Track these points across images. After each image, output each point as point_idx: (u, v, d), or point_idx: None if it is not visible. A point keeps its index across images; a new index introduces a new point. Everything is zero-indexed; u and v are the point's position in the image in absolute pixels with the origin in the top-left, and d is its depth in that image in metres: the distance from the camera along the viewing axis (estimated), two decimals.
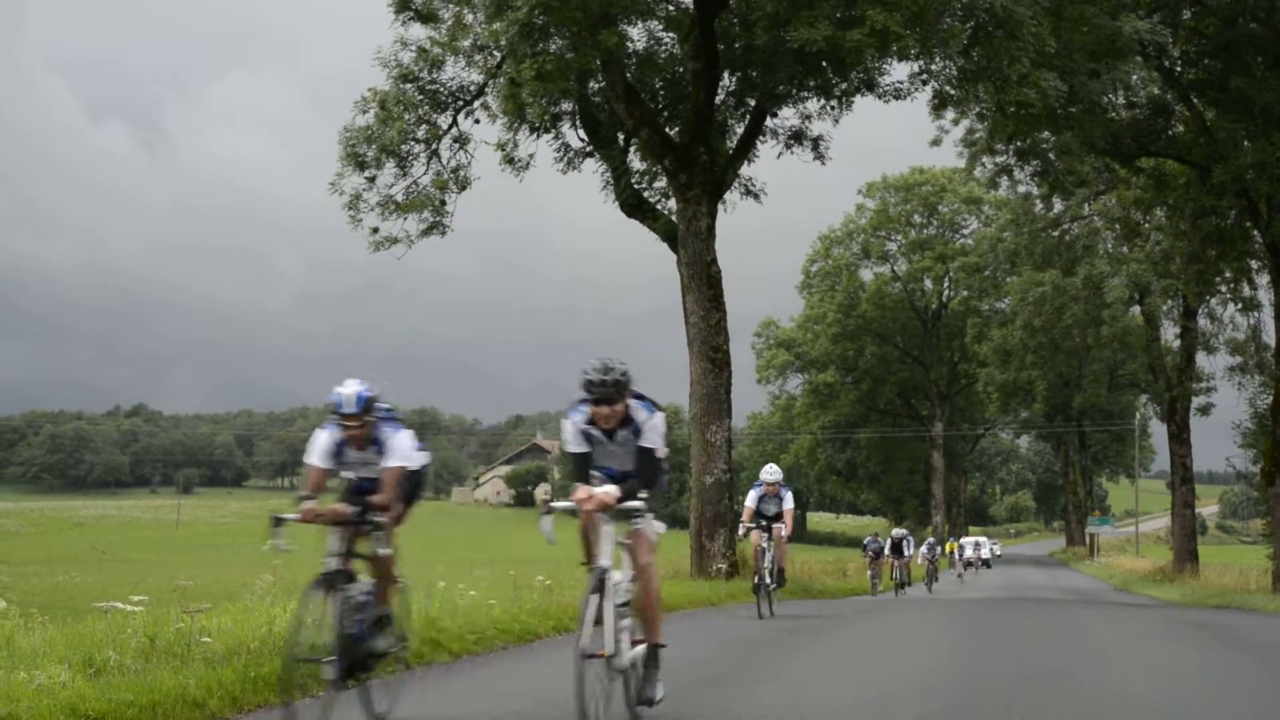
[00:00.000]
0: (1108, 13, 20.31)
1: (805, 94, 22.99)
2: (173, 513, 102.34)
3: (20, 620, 7.88)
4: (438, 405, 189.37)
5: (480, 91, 24.48)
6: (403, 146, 24.00)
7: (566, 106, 24.11)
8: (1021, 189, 32.75)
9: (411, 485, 6.62)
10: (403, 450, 6.36)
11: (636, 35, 23.38)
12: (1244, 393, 33.71)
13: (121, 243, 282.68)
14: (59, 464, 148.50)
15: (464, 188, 24.66)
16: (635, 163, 24.71)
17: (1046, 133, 23.26)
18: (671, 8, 23.42)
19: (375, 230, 24.30)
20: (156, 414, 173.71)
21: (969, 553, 49.04)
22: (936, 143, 30.02)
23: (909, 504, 74.37)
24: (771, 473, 14.76)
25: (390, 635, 6.44)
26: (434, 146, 24.44)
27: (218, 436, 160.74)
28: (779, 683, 8.00)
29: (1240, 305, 33.65)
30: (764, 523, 14.53)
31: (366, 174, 24.01)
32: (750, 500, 14.66)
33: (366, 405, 6.19)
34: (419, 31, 23.73)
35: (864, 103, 49.81)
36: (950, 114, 26.19)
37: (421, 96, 24.26)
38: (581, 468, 6.08)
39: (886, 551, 30.82)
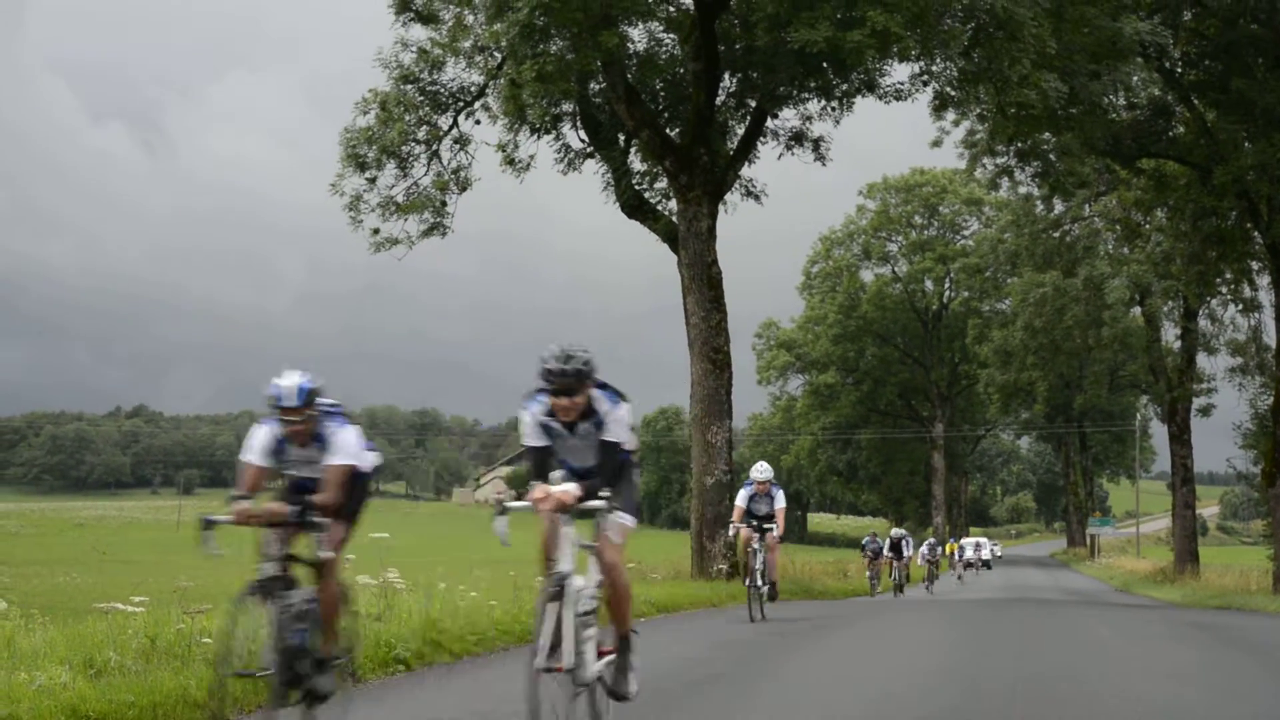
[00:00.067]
0: (1108, 14, 20.32)
1: (806, 95, 23.02)
2: (173, 514, 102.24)
3: (21, 621, 7.89)
4: (439, 406, 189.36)
5: (481, 92, 24.51)
6: (403, 147, 24.03)
7: (567, 107, 24.13)
8: (1022, 190, 32.76)
9: (357, 491, 6.07)
10: (348, 447, 5.90)
11: (637, 36, 23.44)
12: (1244, 394, 33.79)
13: (122, 244, 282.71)
14: (60, 465, 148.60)
15: (464, 189, 24.71)
16: (636, 164, 24.74)
17: (1047, 134, 23.27)
18: (672, 9, 23.45)
19: (376, 231, 24.36)
20: (157, 415, 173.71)
21: (969, 554, 48.98)
22: (937, 144, 30.02)
23: (910, 505, 74.32)
24: (762, 471, 14.37)
25: (335, 645, 5.98)
26: (434, 147, 24.47)
27: (219, 437, 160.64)
28: (778, 683, 8.00)
29: (1241, 306, 33.70)
30: (754, 522, 14.11)
31: (367, 175, 24.06)
32: (740, 499, 14.30)
33: (308, 398, 5.73)
34: (420, 32, 23.80)
35: (865, 104, 49.91)
36: (951, 115, 26.21)
37: (422, 97, 24.29)
38: (540, 463, 5.64)
39: (885, 552, 30.73)
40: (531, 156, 24.79)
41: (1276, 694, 8.19)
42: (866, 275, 70.55)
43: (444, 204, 24.44)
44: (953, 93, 21.99)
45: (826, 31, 18.14)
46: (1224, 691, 8.16)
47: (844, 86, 22.49)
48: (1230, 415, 52.18)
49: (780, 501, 14.17)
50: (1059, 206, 36.77)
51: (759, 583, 13.79)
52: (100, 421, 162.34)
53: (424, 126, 24.28)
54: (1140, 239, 34.66)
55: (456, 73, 24.37)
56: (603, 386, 5.63)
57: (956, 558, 46.50)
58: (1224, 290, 33.91)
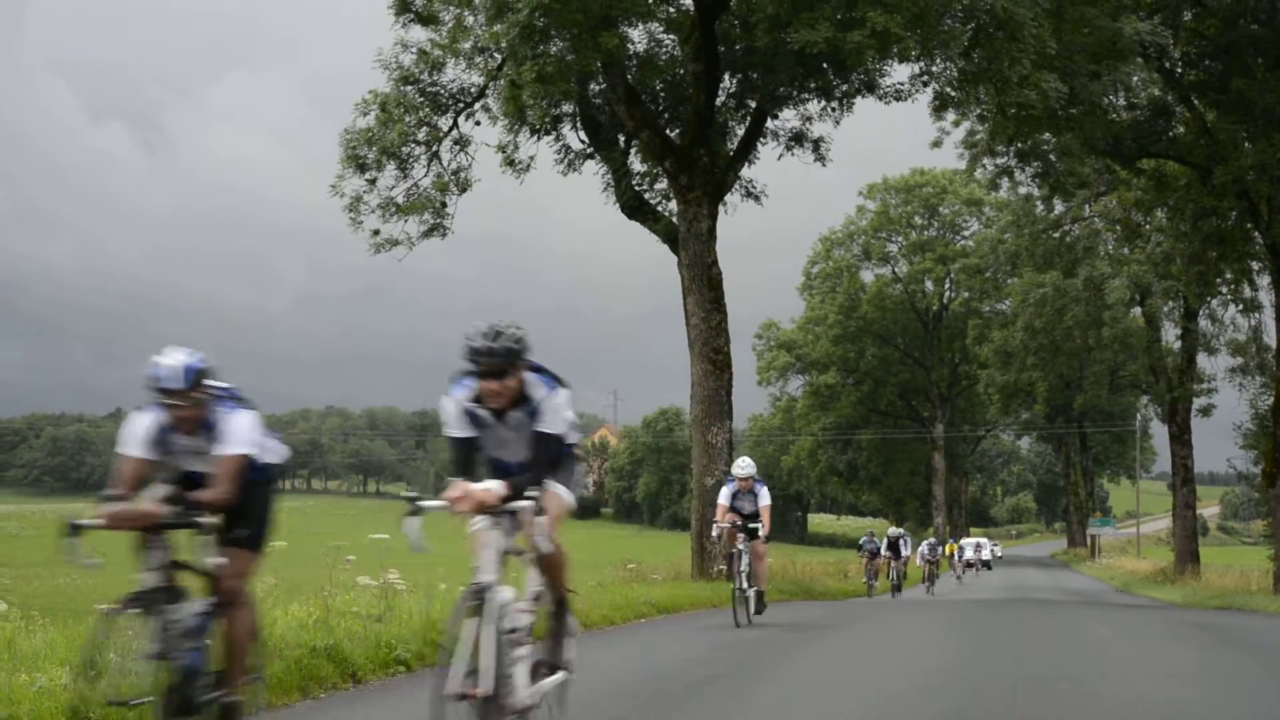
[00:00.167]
0: (1108, 14, 20.32)
1: (806, 96, 23.02)
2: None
3: (21, 623, 7.89)
4: (439, 407, 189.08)
5: (481, 93, 24.52)
6: (403, 148, 24.03)
7: (567, 108, 24.13)
8: (1022, 190, 32.75)
9: (258, 490, 5.35)
10: (241, 435, 5.16)
11: (637, 37, 23.43)
12: (1245, 394, 33.75)
13: (122, 244, 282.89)
14: (60, 466, 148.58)
15: (464, 190, 24.71)
16: (636, 164, 24.74)
17: (1047, 134, 23.27)
18: (672, 10, 23.45)
19: (376, 232, 24.37)
20: None
21: (969, 554, 48.95)
22: (937, 144, 30.05)
23: (910, 505, 74.31)
24: (744, 467, 13.44)
25: (240, 671, 5.27)
26: (434, 148, 24.47)
27: None
28: (778, 683, 8.00)
29: (1241, 306, 33.69)
30: (740, 521, 13.26)
31: (367, 176, 24.06)
32: (723, 497, 13.50)
33: (195, 380, 5.04)
34: (419, 33, 23.79)
35: (865, 104, 49.86)
36: (951, 115, 26.23)
37: (422, 99, 24.29)
38: (464, 457, 4.96)
39: (883, 551, 30.65)
40: (531, 157, 24.83)
41: (1277, 694, 8.19)
42: (867, 276, 70.57)
43: (444, 205, 24.45)
44: (953, 93, 21.98)
45: (826, 32, 18.13)
46: (1224, 692, 8.16)
47: (844, 87, 22.49)
48: (1230, 415, 52.13)
49: (765, 499, 13.33)
50: (1059, 207, 36.78)
51: (744, 586, 13.04)
52: (101, 423, 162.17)
53: (424, 128, 24.28)
54: (1140, 239, 34.66)
55: (456, 74, 24.40)
56: (539, 370, 5.05)
57: (956, 558, 46.44)
58: (1224, 290, 33.92)
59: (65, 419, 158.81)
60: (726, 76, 23.39)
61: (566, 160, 24.95)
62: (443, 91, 24.44)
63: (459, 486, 4.71)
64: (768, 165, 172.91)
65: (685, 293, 22.61)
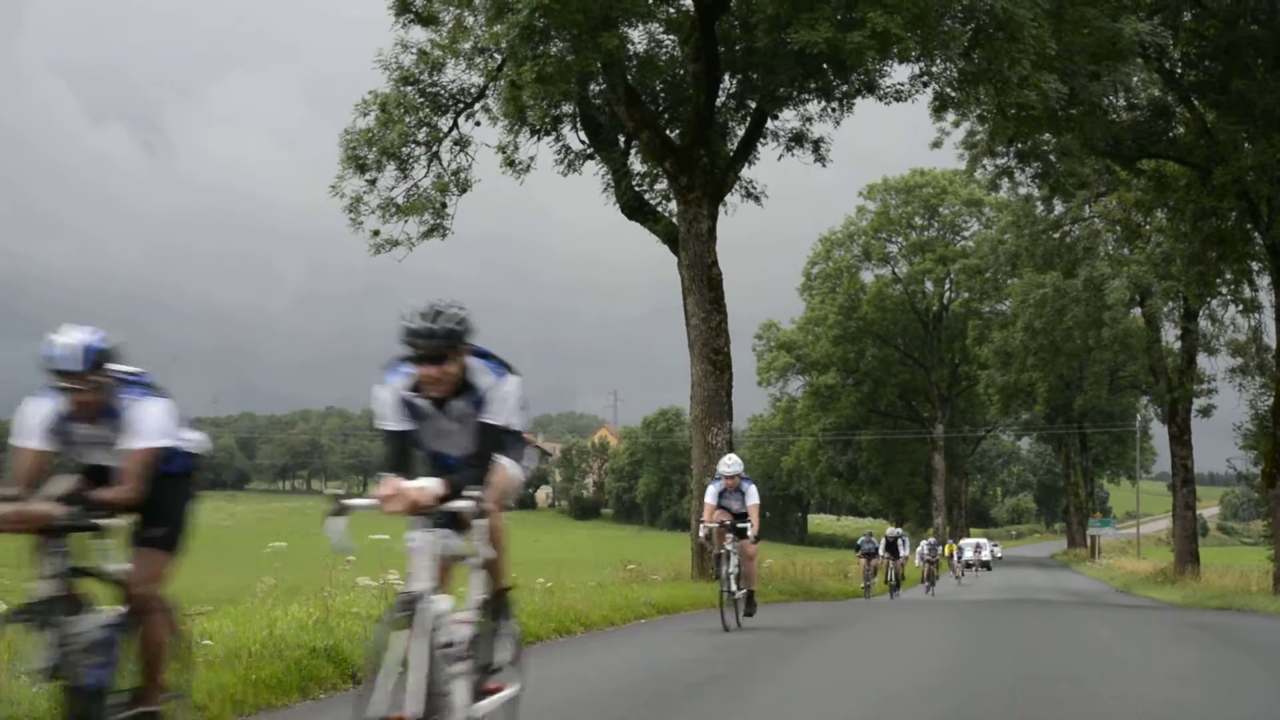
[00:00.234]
0: (1108, 15, 20.34)
1: (806, 96, 23.02)
2: None
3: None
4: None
5: (481, 94, 24.52)
6: (403, 149, 24.04)
7: (567, 109, 24.13)
8: (1022, 191, 32.76)
9: (176, 485, 4.79)
10: (151, 425, 4.60)
11: (637, 38, 23.44)
12: (1245, 394, 33.76)
13: (122, 245, 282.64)
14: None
15: (464, 190, 24.72)
16: (636, 165, 24.75)
17: (1047, 135, 23.28)
18: (672, 10, 23.46)
19: (376, 233, 24.38)
20: None
21: (968, 554, 48.92)
22: (937, 145, 30.05)
23: (910, 506, 74.33)
24: (730, 464, 12.83)
25: (158, 688, 4.70)
26: (434, 149, 24.48)
27: (219, 439, 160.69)
28: (778, 684, 8.00)
29: (1241, 307, 33.70)
30: (728, 520, 12.62)
31: (367, 176, 24.07)
32: (710, 496, 12.88)
33: (96, 361, 4.48)
34: (419, 34, 23.80)
35: (865, 105, 49.90)
36: (951, 116, 26.23)
37: (422, 99, 24.30)
38: (398, 451, 4.44)
39: (881, 551, 30.55)
40: (531, 158, 24.83)
41: (1277, 694, 8.18)
42: (867, 276, 70.60)
43: (444, 206, 24.46)
44: (953, 94, 22.00)
45: (826, 33, 18.15)
46: (1224, 692, 8.15)
47: (844, 88, 22.49)
48: (1230, 416, 52.19)
49: (753, 497, 12.73)
50: (1059, 207, 36.78)
51: (732, 588, 12.33)
52: None
53: (424, 128, 24.29)
54: (1140, 240, 34.67)
55: (456, 74, 24.41)
56: (484, 355, 4.60)
57: (955, 559, 46.40)
58: (1224, 291, 33.92)
59: None
60: (726, 77, 23.39)
61: (566, 161, 24.96)
62: (443, 92, 24.45)
63: (391, 484, 4.19)
64: (768, 166, 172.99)
65: (685, 293, 22.62)
